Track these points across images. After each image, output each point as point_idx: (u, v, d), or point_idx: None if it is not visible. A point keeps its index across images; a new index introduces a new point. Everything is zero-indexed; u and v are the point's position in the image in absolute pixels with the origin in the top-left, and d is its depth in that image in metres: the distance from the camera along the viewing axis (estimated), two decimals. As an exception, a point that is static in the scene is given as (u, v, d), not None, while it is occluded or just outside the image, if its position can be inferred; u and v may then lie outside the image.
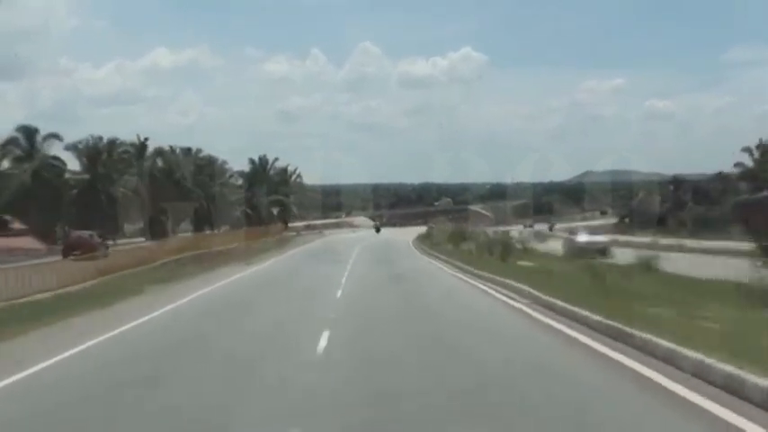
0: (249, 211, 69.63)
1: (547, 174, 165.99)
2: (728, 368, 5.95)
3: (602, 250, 27.33)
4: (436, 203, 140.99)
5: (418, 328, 11.23)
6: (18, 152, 53.63)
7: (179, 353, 9.56)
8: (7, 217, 52.18)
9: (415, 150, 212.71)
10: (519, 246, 29.27)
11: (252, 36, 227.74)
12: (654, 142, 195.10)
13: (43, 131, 54.20)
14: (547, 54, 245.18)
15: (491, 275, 18.47)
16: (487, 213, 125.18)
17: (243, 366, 8.22)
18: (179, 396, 6.71)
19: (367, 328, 11.49)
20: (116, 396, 6.72)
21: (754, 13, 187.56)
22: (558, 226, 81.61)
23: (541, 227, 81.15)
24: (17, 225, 51.92)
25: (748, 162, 70.23)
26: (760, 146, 69.94)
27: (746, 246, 22.36)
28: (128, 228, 64.50)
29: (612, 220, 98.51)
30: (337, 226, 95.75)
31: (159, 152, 62.22)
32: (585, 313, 10.26)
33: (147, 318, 13.31)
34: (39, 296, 17.85)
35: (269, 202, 73.71)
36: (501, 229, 57.35)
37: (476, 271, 20.60)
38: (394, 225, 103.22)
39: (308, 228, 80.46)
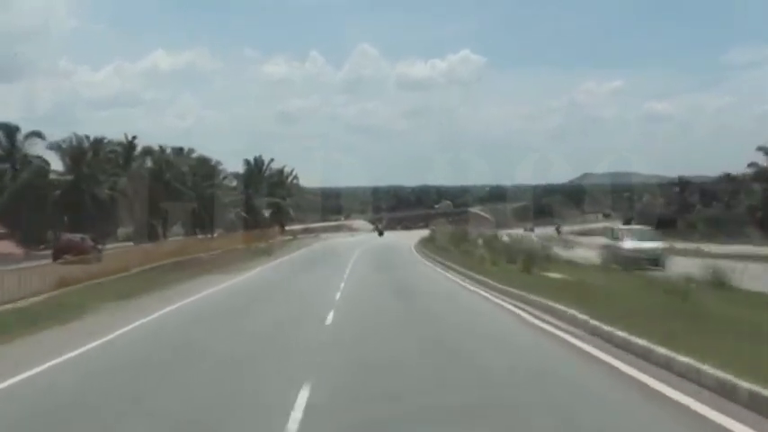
0: (244, 213, 65.89)
1: (546, 176, 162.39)
2: None
3: (655, 260, 22.76)
4: (436, 206, 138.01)
5: (441, 380, 7.41)
6: (-3, 151, 50.16)
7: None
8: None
9: (413, 153, 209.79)
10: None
11: (250, 38, 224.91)
12: (654, 144, 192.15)
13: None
14: (545, 55, 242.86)
15: (521, 292, 14.68)
16: (487, 216, 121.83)
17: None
18: None
19: (365, 381, 7.58)
20: None
21: (754, 14, 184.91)
22: (564, 228, 77.99)
23: (542, 230, 77.42)
24: (-4, 229, 48.30)
25: (762, 162, 66.34)
26: (777, 145, 66.05)
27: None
28: (121, 231, 61.07)
29: (617, 223, 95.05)
30: (337, 229, 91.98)
31: (148, 152, 58.50)
32: (697, 365, 6.63)
33: (53, 363, 9.00)
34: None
35: (265, 205, 69.95)
36: (503, 231, 53.83)
37: (500, 285, 16.66)
38: (394, 228, 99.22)
39: (305, 231, 76.71)
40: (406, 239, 54.77)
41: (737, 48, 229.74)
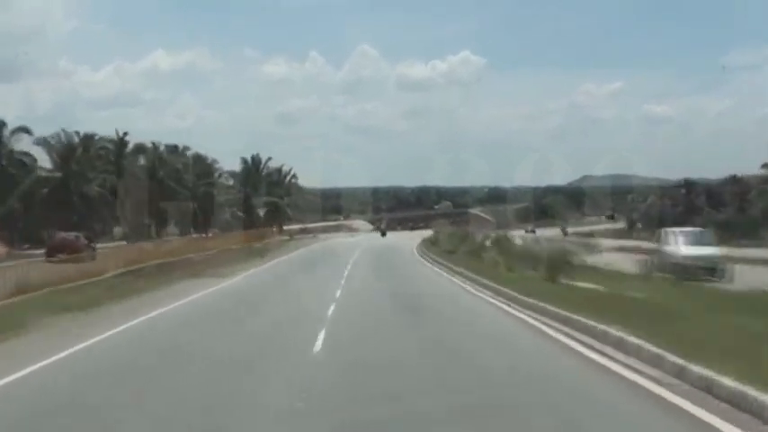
0: (241, 213, 63.09)
1: (545, 177, 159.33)
2: None
3: (713, 269, 19.41)
4: (436, 207, 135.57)
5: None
6: (-18, 147, 47.32)
7: None
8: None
9: (413, 153, 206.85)
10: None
11: (250, 38, 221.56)
12: (654, 145, 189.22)
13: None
14: (545, 56, 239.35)
15: (559, 310, 11.64)
16: (488, 217, 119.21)
17: None
18: None
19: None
20: None
21: (754, 16, 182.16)
22: (570, 230, 75.22)
23: (543, 232, 74.56)
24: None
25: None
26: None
27: None
28: (118, 231, 58.32)
29: (620, 225, 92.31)
30: (336, 229, 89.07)
31: (141, 149, 55.65)
32: None
33: None
34: None
35: (262, 204, 67.08)
36: (506, 233, 50.97)
37: (530, 300, 13.38)
38: (393, 228, 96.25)
39: (303, 231, 73.81)
40: (408, 240, 51.78)
41: (738, 49, 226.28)
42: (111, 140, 53.84)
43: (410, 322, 12.17)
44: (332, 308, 13.94)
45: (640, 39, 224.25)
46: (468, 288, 18.12)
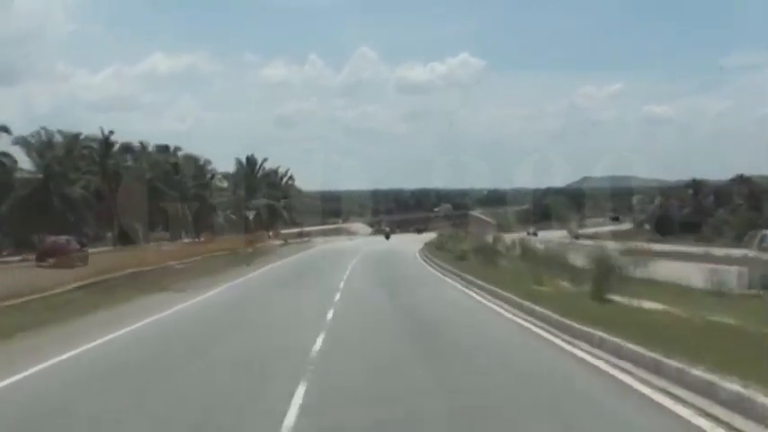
0: (234, 216, 59.18)
1: (545, 179, 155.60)
2: None
3: None
4: (436, 209, 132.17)
5: None
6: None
7: None
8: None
9: (413, 156, 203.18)
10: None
11: (250, 41, 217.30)
12: (653, 147, 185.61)
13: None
14: (544, 58, 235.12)
15: (645, 352, 7.51)
16: (488, 219, 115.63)
17: None
18: None
19: None
20: None
21: (754, 17, 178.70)
22: (576, 231, 71.28)
23: (545, 234, 70.71)
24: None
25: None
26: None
27: None
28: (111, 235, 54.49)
29: (626, 226, 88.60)
30: (336, 233, 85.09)
31: (128, 149, 51.72)
32: None
33: None
34: None
35: (257, 207, 63.08)
36: (508, 236, 47.07)
37: (590, 330, 9.36)
38: (393, 232, 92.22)
39: (300, 235, 69.85)
40: (411, 244, 47.76)
41: (737, 50, 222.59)
42: (95, 140, 49.88)
43: (428, 372, 8.06)
44: (318, 343, 10.08)
45: (640, 40, 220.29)
46: (495, 308, 14.17)
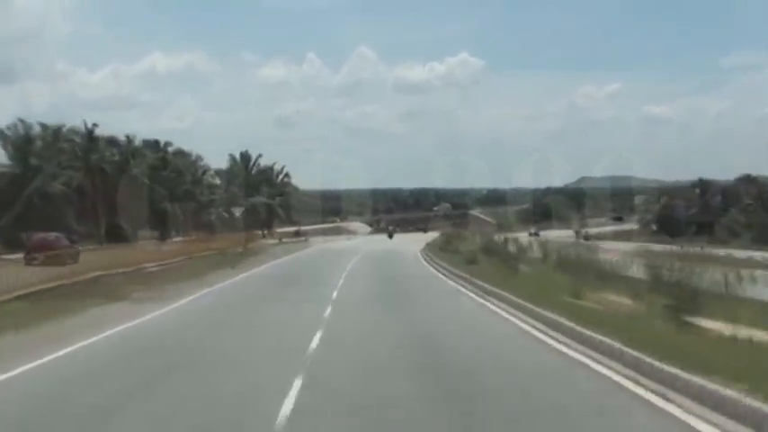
0: (226, 213, 55.52)
1: (544, 179, 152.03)
2: None
3: None
4: (435, 208, 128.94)
5: None
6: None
7: None
8: None
9: (412, 155, 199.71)
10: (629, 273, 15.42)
11: (248, 41, 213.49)
12: (653, 147, 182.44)
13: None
14: (544, 58, 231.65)
15: None
16: (488, 218, 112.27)
17: None
18: None
19: None
20: None
21: (753, 17, 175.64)
22: (585, 231, 67.70)
23: (546, 234, 67.15)
24: None
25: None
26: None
27: None
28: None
29: (630, 226, 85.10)
30: (336, 232, 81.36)
31: (112, 142, 48.01)
32: None
33: None
34: None
35: (251, 204, 59.35)
36: (511, 235, 43.46)
37: (706, 385, 5.91)
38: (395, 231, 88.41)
39: (297, 234, 66.14)
40: (413, 244, 43.99)
41: (737, 50, 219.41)
42: (77, 133, 46.18)
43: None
44: (293, 392, 6.48)
45: (639, 40, 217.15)
46: (536, 333, 10.38)
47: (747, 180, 78.01)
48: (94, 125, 46.31)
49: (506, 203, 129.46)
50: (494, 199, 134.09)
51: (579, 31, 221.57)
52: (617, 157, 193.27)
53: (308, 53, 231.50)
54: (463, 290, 17.31)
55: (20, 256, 29.56)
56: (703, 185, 76.33)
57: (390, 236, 68.67)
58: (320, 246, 49.96)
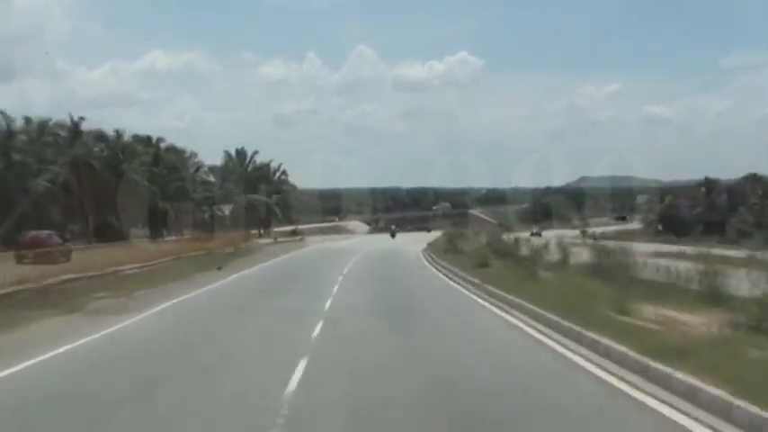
0: (220, 212, 52.89)
1: (544, 178, 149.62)
2: None
3: None
4: (434, 207, 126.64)
5: None
6: None
7: None
8: None
9: (411, 154, 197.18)
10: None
11: (247, 39, 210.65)
12: (652, 147, 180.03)
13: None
14: (544, 58, 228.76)
15: None
16: (488, 218, 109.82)
17: None
18: None
19: None
20: None
21: (753, 17, 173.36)
22: (593, 231, 65.03)
23: (547, 233, 64.57)
24: None
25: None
26: None
27: None
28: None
29: (633, 226, 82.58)
30: (335, 231, 78.74)
31: (100, 137, 45.38)
32: None
33: None
34: None
35: (246, 202, 56.73)
36: (513, 235, 40.87)
37: None
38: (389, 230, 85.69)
39: (293, 233, 63.52)
40: (414, 245, 41.37)
41: (737, 51, 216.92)
42: (63, 126, 43.55)
43: None
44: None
45: (639, 40, 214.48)
46: (591, 368, 7.69)
47: (753, 179, 75.49)
48: (81, 118, 43.73)
49: (506, 203, 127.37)
50: (493, 198, 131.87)
51: (579, 31, 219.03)
52: (617, 156, 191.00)
53: (308, 52, 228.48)
54: (480, 300, 14.51)
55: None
56: (709, 184, 73.79)
57: (393, 235, 66.39)
58: (317, 246, 47.28)
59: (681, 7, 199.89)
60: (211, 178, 57.62)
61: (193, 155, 54.76)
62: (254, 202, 57.67)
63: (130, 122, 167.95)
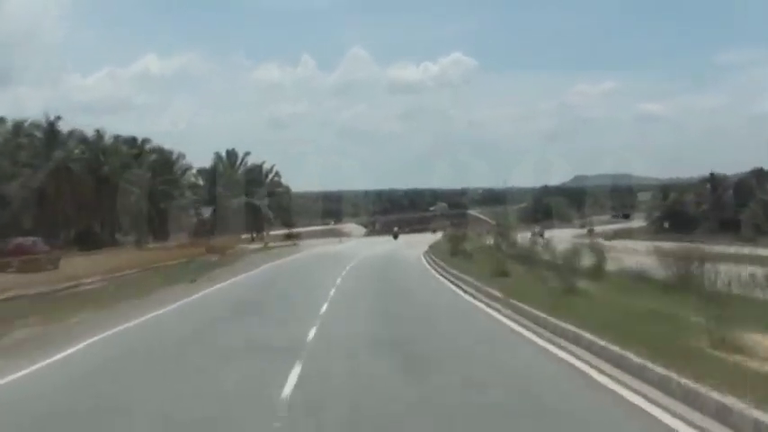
0: (202, 216, 49.40)
1: (541, 178, 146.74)
2: None
3: None
4: (432, 208, 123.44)
5: None
6: None
7: None
8: None
9: (407, 156, 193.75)
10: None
11: (242, 42, 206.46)
12: (648, 145, 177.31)
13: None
14: (537, 57, 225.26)
15: None
16: (487, 218, 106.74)
17: None
18: None
19: None
20: None
21: (747, 15, 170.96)
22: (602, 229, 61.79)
23: (549, 233, 61.29)
24: None
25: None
26: None
27: None
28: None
29: (637, 224, 79.50)
30: (334, 234, 75.27)
31: (81, 138, 41.92)
32: None
33: None
34: None
35: (236, 206, 53.27)
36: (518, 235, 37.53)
37: None
38: (389, 232, 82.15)
39: (288, 237, 60.06)
40: (415, 249, 37.89)
41: (731, 48, 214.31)
42: (38, 127, 40.12)
43: None
44: None
45: (633, 39, 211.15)
46: None
47: (760, 174, 72.37)
48: (57, 117, 40.24)
49: (504, 203, 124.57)
50: (491, 198, 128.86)
51: (574, 30, 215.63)
52: (614, 155, 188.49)
53: (303, 54, 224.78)
54: (509, 323, 10.90)
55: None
56: (714, 180, 70.61)
57: (395, 236, 63.49)
58: (310, 251, 43.78)
59: (675, 5, 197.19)
60: (200, 181, 54.18)
61: (181, 156, 51.23)
62: (246, 204, 54.19)
63: (126, 127, 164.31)
